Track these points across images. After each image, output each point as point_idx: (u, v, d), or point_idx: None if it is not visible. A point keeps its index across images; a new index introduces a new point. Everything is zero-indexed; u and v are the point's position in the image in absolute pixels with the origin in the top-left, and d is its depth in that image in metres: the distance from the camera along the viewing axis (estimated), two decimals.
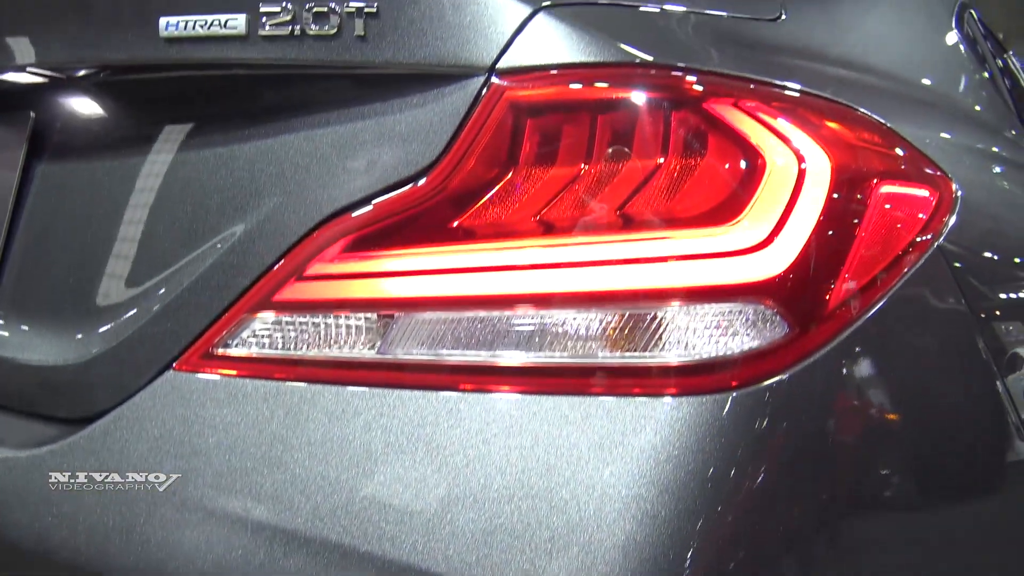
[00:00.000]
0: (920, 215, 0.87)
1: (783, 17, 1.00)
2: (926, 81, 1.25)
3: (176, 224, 0.91)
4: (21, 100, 1.10)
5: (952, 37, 1.51)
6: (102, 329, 0.93)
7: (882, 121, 0.90)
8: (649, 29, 0.84)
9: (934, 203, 0.89)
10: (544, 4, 0.78)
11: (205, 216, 0.89)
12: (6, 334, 1.04)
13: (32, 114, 1.08)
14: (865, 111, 0.89)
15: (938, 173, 0.92)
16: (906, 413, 0.85)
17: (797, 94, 0.85)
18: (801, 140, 0.79)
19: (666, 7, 0.88)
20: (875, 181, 0.83)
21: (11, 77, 1.06)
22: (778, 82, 0.84)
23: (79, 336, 0.96)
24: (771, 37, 0.96)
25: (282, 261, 0.82)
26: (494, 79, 0.77)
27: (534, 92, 0.77)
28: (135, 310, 0.91)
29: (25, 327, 1.02)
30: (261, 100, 0.90)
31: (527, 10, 0.78)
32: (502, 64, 0.77)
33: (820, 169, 0.78)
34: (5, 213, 1.07)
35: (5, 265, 1.07)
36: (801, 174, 0.77)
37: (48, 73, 1.03)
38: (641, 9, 0.85)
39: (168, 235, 0.92)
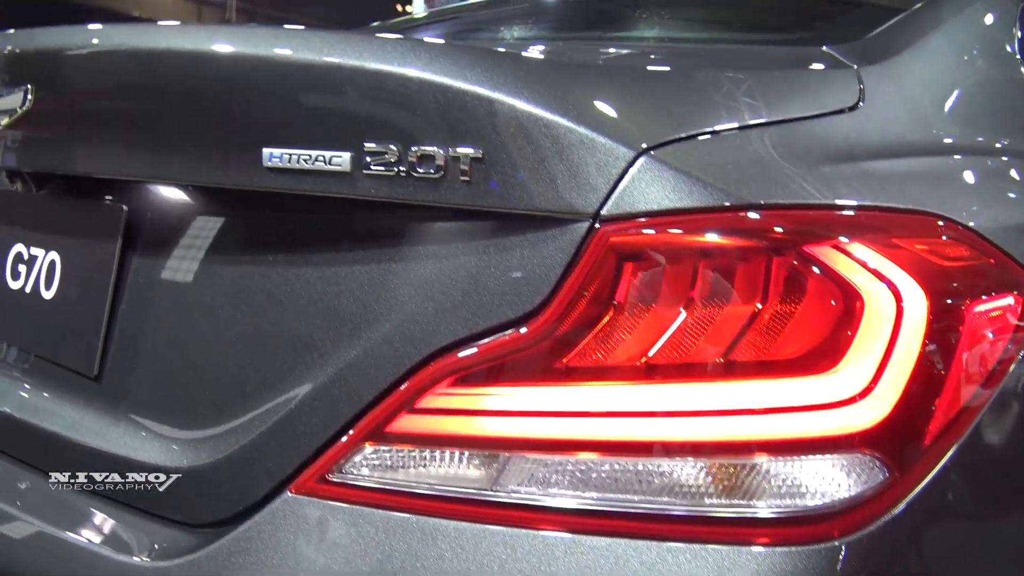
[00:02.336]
0: (1008, 326, 0.89)
1: (861, 105, 1.01)
2: (1000, 137, 1.24)
3: (284, 339, 0.94)
4: (113, 193, 1.13)
5: (1018, 66, 1.48)
6: (214, 438, 0.97)
7: (967, 225, 0.91)
8: (741, 158, 0.85)
9: (1020, 310, 0.90)
10: (643, 146, 0.80)
11: (312, 335, 0.91)
12: (110, 430, 1.07)
13: (125, 207, 1.11)
14: (950, 217, 0.91)
15: (1021, 271, 0.93)
16: (1012, 532, 0.88)
17: (887, 214, 0.86)
18: (896, 275, 0.81)
19: (752, 124, 0.89)
20: (967, 303, 0.84)
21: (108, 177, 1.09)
22: (867, 204, 0.86)
23: (188, 442, 0.99)
24: (854, 134, 0.96)
25: (393, 392, 0.85)
26: (598, 225, 0.79)
27: (638, 238, 0.79)
28: (250, 424, 0.94)
29: (128, 425, 1.06)
30: (367, 225, 0.91)
31: (630, 155, 0.79)
32: (606, 211, 0.79)
33: (916, 305, 0.80)
34: (104, 306, 1.11)
35: (107, 359, 1.10)
36: (899, 314, 0.79)
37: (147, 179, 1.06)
38: (730, 134, 0.86)
39: (275, 350, 0.94)
